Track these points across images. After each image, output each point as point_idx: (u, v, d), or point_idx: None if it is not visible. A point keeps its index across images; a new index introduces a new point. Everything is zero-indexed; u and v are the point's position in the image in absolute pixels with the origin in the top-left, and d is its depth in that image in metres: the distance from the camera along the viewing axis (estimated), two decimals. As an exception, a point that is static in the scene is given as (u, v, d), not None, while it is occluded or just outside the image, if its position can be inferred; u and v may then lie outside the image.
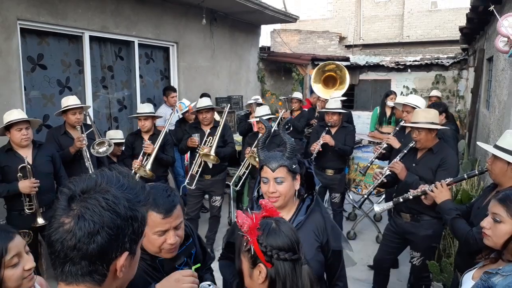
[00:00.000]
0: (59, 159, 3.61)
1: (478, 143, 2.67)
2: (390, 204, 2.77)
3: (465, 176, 2.59)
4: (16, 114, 3.30)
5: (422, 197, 2.60)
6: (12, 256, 1.45)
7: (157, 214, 1.48)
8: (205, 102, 4.55)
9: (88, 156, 3.80)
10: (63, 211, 0.86)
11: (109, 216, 0.85)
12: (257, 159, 4.22)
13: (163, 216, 1.48)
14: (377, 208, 2.84)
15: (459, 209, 2.50)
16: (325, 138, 4.53)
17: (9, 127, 3.27)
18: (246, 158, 4.43)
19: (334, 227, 1.91)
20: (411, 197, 2.67)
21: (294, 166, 1.83)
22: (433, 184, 2.61)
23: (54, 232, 0.85)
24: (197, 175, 4.46)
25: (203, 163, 4.41)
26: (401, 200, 2.70)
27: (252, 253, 1.27)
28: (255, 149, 4.35)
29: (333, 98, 5.76)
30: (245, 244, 1.30)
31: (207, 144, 4.39)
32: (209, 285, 1.55)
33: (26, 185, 3.19)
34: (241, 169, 4.63)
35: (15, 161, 3.26)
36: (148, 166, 4.07)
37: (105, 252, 0.86)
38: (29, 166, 3.25)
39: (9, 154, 3.32)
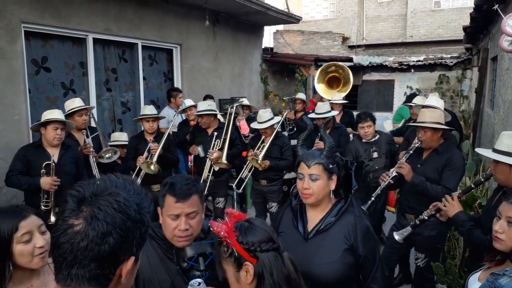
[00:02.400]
0: (82, 163, 3.73)
1: (477, 149, 2.64)
2: (409, 229, 2.76)
3: (473, 186, 2.57)
4: (57, 114, 3.48)
5: (437, 215, 2.57)
6: (23, 233, 1.56)
7: (171, 197, 1.61)
8: (202, 106, 4.55)
9: (95, 164, 3.88)
10: (72, 212, 0.86)
11: (121, 218, 0.86)
12: (259, 162, 4.21)
13: (175, 200, 1.60)
14: (397, 237, 2.83)
15: (472, 219, 2.47)
16: (319, 145, 4.46)
17: (46, 124, 3.42)
18: (248, 161, 4.42)
19: (366, 231, 1.82)
20: (426, 217, 2.64)
21: (331, 166, 1.82)
22: (443, 199, 2.58)
23: (63, 234, 0.84)
24: (208, 180, 4.46)
25: (213, 167, 4.41)
26: (418, 222, 2.69)
27: (236, 254, 1.30)
28: (257, 151, 4.33)
29: (328, 100, 5.76)
30: (225, 249, 1.32)
31: (215, 148, 4.38)
32: (199, 284, 1.56)
33: (47, 181, 3.30)
34: (243, 171, 4.62)
35: (42, 158, 3.39)
36: (154, 159, 4.05)
37: (115, 254, 0.86)
38: (53, 164, 3.37)
39: (38, 150, 3.47)
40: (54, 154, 3.44)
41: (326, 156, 1.83)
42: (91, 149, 3.88)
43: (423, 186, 3.01)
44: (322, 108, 4.86)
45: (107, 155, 4.01)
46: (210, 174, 4.44)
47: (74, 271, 0.85)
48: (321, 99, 7.05)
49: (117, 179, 0.94)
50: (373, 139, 4.12)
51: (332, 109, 6.06)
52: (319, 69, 7.52)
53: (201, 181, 4.48)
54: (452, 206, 2.45)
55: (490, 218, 2.22)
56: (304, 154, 1.87)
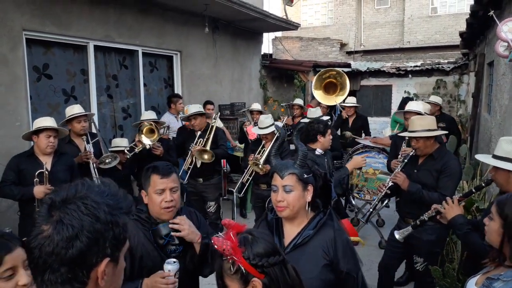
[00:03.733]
0: (77, 170, 3.69)
1: (476, 156, 2.65)
2: (409, 229, 2.79)
3: (473, 190, 2.58)
4: (49, 121, 3.44)
5: (438, 216, 2.60)
6: (6, 268, 1.39)
7: (156, 175, 1.91)
8: (194, 108, 4.59)
9: (96, 171, 3.87)
10: (44, 218, 0.87)
11: (88, 220, 0.85)
12: (260, 166, 4.24)
13: (160, 177, 1.90)
14: (397, 236, 2.86)
15: (471, 223, 2.47)
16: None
17: (38, 132, 3.38)
18: (249, 165, 4.46)
19: (347, 246, 1.74)
20: (426, 218, 2.66)
21: (305, 175, 1.74)
22: (443, 201, 2.60)
23: (34, 239, 0.85)
24: (189, 171, 4.54)
25: (194, 160, 4.47)
26: (418, 223, 2.71)
27: (244, 272, 1.23)
28: (258, 156, 4.37)
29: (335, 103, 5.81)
30: (231, 266, 1.25)
31: (198, 145, 4.45)
32: (174, 262, 1.75)
33: (41, 190, 3.25)
34: (244, 175, 4.66)
35: (34, 166, 3.34)
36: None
37: (84, 257, 0.85)
38: (47, 172, 3.32)
39: (30, 158, 3.42)
40: (47, 162, 3.38)
41: (299, 165, 1.75)
42: (90, 156, 3.86)
43: (419, 194, 3.03)
44: (314, 114, 4.96)
45: (107, 161, 4.04)
46: (191, 167, 4.52)
47: (47, 276, 0.85)
48: (319, 104, 7.09)
49: (92, 182, 0.95)
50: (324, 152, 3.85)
51: (344, 109, 6.17)
52: (316, 75, 7.57)
53: (181, 171, 4.60)
54: (451, 208, 2.46)
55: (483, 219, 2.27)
56: (277, 165, 1.79)
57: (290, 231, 1.78)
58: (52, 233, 0.84)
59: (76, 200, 0.88)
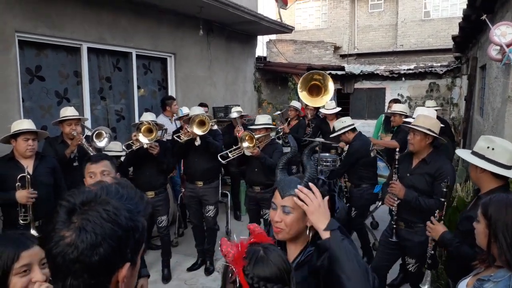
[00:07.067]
0: (60, 172, 3.59)
1: (457, 151, 2.69)
2: (429, 273, 2.74)
3: (443, 200, 2.62)
4: (27, 124, 3.36)
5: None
6: (22, 265, 1.44)
7: (88, 163, 2.61)
8: (198, 110, 4.52)
9: (91, 149, 3.73)
10: (63, 224, 0.85)
11: (110, 227, 0.85)
12: (252, 145, 4.14)
13: (91, 163, 2.59)
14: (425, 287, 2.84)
15: (457, 235, 2.48)
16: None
17: (16, 135, 3.30)
18: (240, 139, 4.33)
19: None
20: (432, 252, 2.68)
21: None
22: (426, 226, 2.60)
23: (55, 245, 0.84)
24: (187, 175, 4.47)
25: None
26: (430, 261, 2.71)
27: (238, 285, 1.16)
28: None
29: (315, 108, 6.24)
30: (230, 275, 1.19)
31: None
32: None
33: (23, 195, 3.16)
34: (232, 150, 4.45)
35: (15, 170, 3.24)
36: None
37: (107, 264, 0.85)
38: (29, 176, 3.21)
39: (10, 162, 3.32)
40: (28, 165, 3.28)
41: (305, 187, 1.53)
42: (76, 135, 3.76)
43: (416, 202, 3.05)
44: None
45: (102, 142, 3.86)
46: (191, 170, 4.51)
47: (68, 281, 0.84)
48: (306, 106, 7.08)
49: (109, 184, 0.93)
50: None
51: (326, 118, 6.15)
52: (301, 78, 7.51)
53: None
54: (435, 230, 2.50)
55: (463, 222, 2.30)
56: (281, 181, 1.59)
57: (294, 249, 1.62)
58: (75, 240, 0.83)
59: (97, 206, 0.86)
